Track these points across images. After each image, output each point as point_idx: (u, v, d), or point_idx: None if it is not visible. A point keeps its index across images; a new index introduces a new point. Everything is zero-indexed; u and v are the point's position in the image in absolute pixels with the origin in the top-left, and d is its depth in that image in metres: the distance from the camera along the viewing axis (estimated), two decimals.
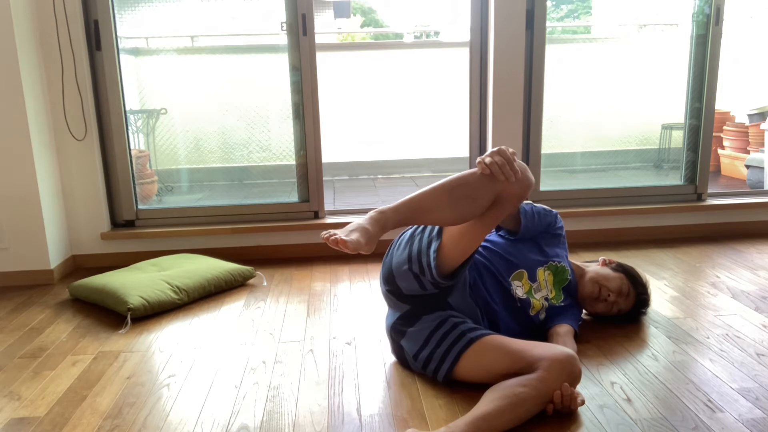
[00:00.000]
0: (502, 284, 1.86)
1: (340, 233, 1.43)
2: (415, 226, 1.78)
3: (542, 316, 1.90)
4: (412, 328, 1.74)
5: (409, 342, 1.74)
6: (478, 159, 1.58)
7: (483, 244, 1.94)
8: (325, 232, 1.44)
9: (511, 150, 1.57)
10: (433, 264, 1.63)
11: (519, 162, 1.57)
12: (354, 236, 1.43)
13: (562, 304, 1.95)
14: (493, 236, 2.00)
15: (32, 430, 1.54)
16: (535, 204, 1.98)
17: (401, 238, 1.79)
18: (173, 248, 2.89)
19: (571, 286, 1.99)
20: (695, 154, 3.18)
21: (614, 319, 2.07)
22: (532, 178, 1.60)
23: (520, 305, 1.86)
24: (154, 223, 2.96)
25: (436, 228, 1.69)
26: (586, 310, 2.06)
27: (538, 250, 1.96)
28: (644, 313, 2.11)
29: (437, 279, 1.65)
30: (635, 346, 1.92)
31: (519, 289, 1.87)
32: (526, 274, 1.90)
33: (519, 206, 1.89)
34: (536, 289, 1.90)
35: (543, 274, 1.93)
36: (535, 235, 1.97)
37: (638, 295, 2.03)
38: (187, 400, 1.67)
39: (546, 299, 1.91)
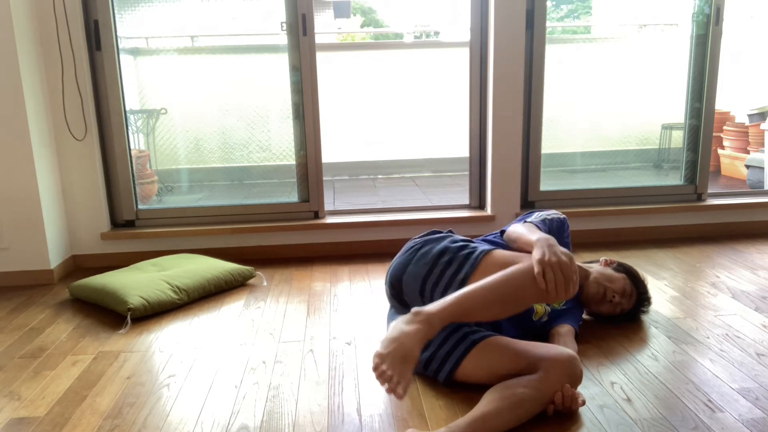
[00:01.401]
0: None
1: (394, 375, 1.34)
2: (443, 248, 1.71)
3: (544, 320, 1.90)
4: None
5: None
6: (539, 260, 1.49)
7: (487, 248, 1.85)
8: (377, 371, 1.37)
9: (574, 265, 1.51)
10: None
11: (575, 278, 1.50)
12: (406, 379, 1.35)
13: (564, 307, 1.95)
14: (500, 240, 1.92)
15: (32, 430, 1.54)
16: (547, 211, 1.95)
17: (422, 251, 1.74)
18: (173, 248, 2.89)
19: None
20: (695, 154, 3.18)
21: (615, 319, 2.07)
22: (577, 284, 1.53)
23: (524, 312, 1.86)
24: (154, 223, 2.96)
25: (463, 274, 1.64)
26: (589, 310, 2.06)
27: None
28: (645, 312, 2.12)
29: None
30: (635, 346, 1.92)
31: None
32: None
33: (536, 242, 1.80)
34: None
35: None
36: None
37: (640, 294, 2.04)
38: (187, 400, 1.67)
39: (548, 304, 1.91)
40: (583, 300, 2.02)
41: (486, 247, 1.72)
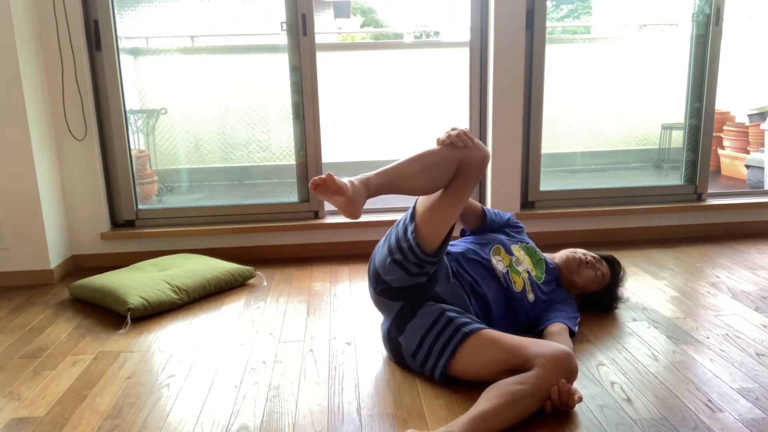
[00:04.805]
0: (483, 264, 1.93)
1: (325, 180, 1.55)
2: (391, 229, 1.86)
3: (530, 297, 1.95)
4: (410, 323, 1.74)
5: (407, 339, 1.75)
6: (437, 138, 1.76)
7: (455, 243, 2.05)
8: (314, 180, 1.56)
9: (463, 127, 1.77)
10: (413, 243, 1.70)
11: (467, 130, 1.76)
12: (345, 188, 1.56)
13: (545, 285, 2.02)
14: (461, 239, 2.13)
15: (32, 430, 1.54)
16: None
17: (378, 246, 1.87)
18: (173, 248, 2.89)
19: (549, 268, 2.09)
20: (695, 154, 3.18)
21: (605, 296, 2.14)
22: (488, 149, 1.80)
23: (506, 284, 1.92)
24: (154, 223, 2.96)
25: (409, 214, 1.78)
26: (576, 287, 2.12)
27: (506, 236, 2.11)
28: (624, 278, 2.19)
29: (421, 256, 1.70)
30: (635, 346, 1.92)
31: (500, 263, 1.95)
32: (502, 249, 2.00)
33: (482, 206, 2.09)
34: (516, 263, 1.99)
35: (519, 251, 2.04)
36: (499, 227, 2.14)
37: (606, 258, 2.19)
38: (187, 400, 1.67)
39: (528, 272, 1.99)
40: (565, 278, 2.12)
41: None
